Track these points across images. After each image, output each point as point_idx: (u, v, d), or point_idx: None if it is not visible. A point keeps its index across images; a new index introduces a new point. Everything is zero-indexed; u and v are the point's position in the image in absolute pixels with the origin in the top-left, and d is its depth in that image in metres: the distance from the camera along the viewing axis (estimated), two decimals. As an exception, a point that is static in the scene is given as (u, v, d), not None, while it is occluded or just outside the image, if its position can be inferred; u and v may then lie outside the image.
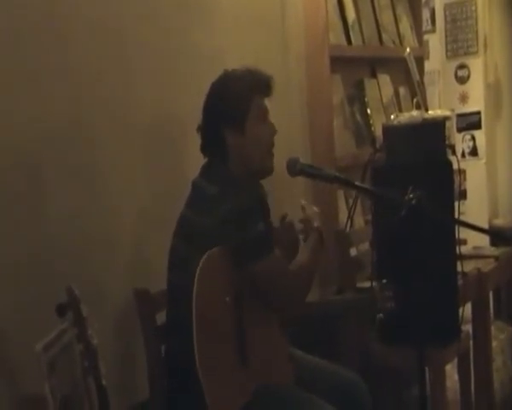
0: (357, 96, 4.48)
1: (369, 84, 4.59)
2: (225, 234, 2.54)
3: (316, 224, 2.82)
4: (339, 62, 4.14)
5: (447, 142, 3.28)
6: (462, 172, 5.90)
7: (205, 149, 2.76)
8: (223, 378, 2.52)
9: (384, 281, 2.76)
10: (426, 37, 5.78)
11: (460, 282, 3.29)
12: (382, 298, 2.74)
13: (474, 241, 4.28)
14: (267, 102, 2.75)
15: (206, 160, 2.76)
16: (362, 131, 4.45)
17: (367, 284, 3.43)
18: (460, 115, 6.29)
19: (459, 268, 3.18)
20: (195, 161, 2.82)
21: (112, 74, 2.90)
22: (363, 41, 4.45)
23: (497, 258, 4.05)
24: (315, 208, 2.90)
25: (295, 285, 2.66)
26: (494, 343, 4.50)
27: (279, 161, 2.75)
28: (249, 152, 2.71)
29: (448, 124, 3.40)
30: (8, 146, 2.48)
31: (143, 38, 3.03)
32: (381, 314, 2.75)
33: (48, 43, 2.64)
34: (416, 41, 5.16)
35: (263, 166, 2.75)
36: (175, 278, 2.68)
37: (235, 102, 2.69)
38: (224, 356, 2.54)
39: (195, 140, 2.79)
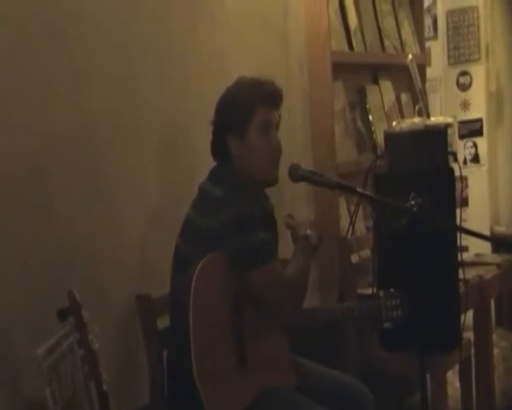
0: (358, 103, 4.48)
1: (371, 91, 4.59)
2: (226, 238, 2.55)
3: (302, 232, 2.80)
4: (341, 69, 4.15)
5: (449, 149, 3.27)
6: (463, 179, 5.89)
7: (212, 152, 2.77)
8: (221, 383, 2.52)
9: (391, 290, 2.75)
10: (428, 44, 5.79)
11: (461, 289, 3.29)
12: (388, 307, 2.73)
13: (476, 248, 4.28)
14: (276, 114, 2.75)
15: (214, 164, 2.77)
16: (363, 138, 4.45)
17: (368, 291, 3.43)
18: (462, 122, 6.29)
19: (461, 275, 3.18)
20: (202, 163, 2.83)
21: (116, 77, 2.90)
22: (365, 47, 4.46)
23: (498, 265, 4.05)
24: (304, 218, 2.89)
25: (290, 296, 2.65)
26: (496, 351, 4.50)
27: (281, 167, 2.75)
28: (250, 161, 2.71)
29: (450, 131, 3.40)
30: (13, 149, 2.48)
31: (146, 40, 3.04)
32: (388, 324, 2.73)
33: (51, 48, 2.64)
34: (417, 48, 5.16)
35: (264, 176, 2.75)
36: (176, 279, 2.68)
37: (238, 111, 2.70)
38: (223, 361, 2.54)
39: (201, 143, 2.80)
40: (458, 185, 3.24)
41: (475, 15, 6.29)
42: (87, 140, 2.77)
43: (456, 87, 6.38)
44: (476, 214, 5.99)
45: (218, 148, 2.75)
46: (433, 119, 3.72)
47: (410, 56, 3.90)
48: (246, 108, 2.70)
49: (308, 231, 2.79)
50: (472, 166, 6.31)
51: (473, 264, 3.94)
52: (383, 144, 3.33)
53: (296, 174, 2.68)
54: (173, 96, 3.17)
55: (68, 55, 2.71)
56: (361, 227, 4.25)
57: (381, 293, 2.76)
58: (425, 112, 3.82)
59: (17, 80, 2.52)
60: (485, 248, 4.69)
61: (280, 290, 2.62)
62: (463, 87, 6.37)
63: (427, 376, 2.79)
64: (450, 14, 6.38)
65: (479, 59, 6.31)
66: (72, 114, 2.71)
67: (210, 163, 2.78)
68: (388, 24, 4.80)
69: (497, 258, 4.24)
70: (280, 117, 2.78)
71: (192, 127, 3.20)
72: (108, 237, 2.85)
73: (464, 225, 3.13)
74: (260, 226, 2.60)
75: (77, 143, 2.73)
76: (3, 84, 2.47)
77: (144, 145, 3.04)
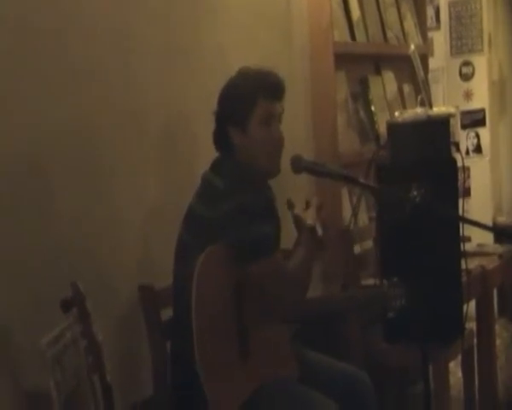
0: (361, 93, 4.48)
1: (374, 82, 4.59)
2: (228, 229, 2.55)
3: (308, 223, 2.78)
4: (343, 59, 4.14)
5: (451, 139, 3.27)
6: (466, 169, 5.87)
7: (214, 142, 2.77)
8: (223, 374, 2.52)
9: (395, 279, 2.74)
10: (430, 34, 5.78)
11: (464, 279, 3.29)
12: (392, 296, 2.72)
13: (478, 238, 4.27)
14: (279, 106, 2.75)
15: (217, 155, 2.77)
16: (366, 128, 4.45)
17: (371, 282, 3.43)
18: (464, 112, 6.29)
19: (463, 265, 3.18)
20: (203, 159, 2.83)
21: (116, 75, 2.90)
22: (368, 38, 4.45)
23: (501, 255, 4.05)
24: (314, 202, 2.85)
25: (290, 290, 2.64)
26: (498, 341, 4.50)
27: (283, 158, 2.75)
28: (252, 152, 2.71)
29: (452, 121, 3.40)
30: (13, 149, 2.48)
31: (148, 37, 3.03)
32: (391, 313, 2.73)
33: (51, 44, 2.64)
34: (420, 38, 5.15)
35: (266, 167, 2.74)
36: (179, 270, 2.68)
37: (240, 102, 2.70)
38: (225, 352, 2.54)
39: (202, 138, 2.80)
40: (460, 175, 3.23)
41: (478, 6, 6.29)
42: (88, 136, 2.77)
43: (458, 77, 6.38)
44: (478, 205, 5.99)
45: (220, 138, 2.75)
46: (435, 109, 3.70)
47: (412, 47, 3.88)
48: (248, 100, 2.70)
49: (317, 225, 2.77)
50: (474, 157, 6.31)
51: (475, 254, 3.94)
52: (386, 135, 3.33)
53: (298, 165, 2.68)
54: (175, 92, 3.17)
55: (68, 53, 2.70)
56: (363, 218, 4.25)
57: (385, 282, 2.75)
58: (427, 102, 3.81)
59: (17, 80, 2.52)
60: (487, 238, 4.68)
61: (280, 284, 2.61)
62: (466, 77, 6.36)
63: (430, 366, 2.79)
64: (453, 4, 6.38)
65: (481, 49, 6.31)
66: (72, 110, 2.71)
67: (211, 158, 2.78)
68: (391, 15, 4.79)
69: (499, 248, 4.24)
70: (283, 109, 2.77)
71: (194, 123, 3.20)
72: (110, 229, 2.85)
73: (466, 215, 3.12)
74: (263, 218, 2.60)
75: (78, 138, 2.72)
76: (3, 84, 2.47)
77: (145, 141, 3.04)
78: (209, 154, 2.78)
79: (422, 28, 5.22)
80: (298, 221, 2.83)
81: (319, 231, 2.75)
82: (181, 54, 3.22)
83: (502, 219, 6.36)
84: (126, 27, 2.95)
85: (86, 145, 2.76)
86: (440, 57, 6.35)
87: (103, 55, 2.84)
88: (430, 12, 6.14)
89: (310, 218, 2.79)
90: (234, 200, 2.56)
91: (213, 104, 2.75)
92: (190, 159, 3.22)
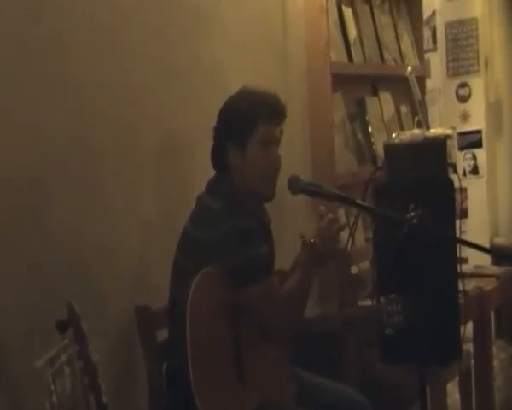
0: (358, 114, 4.49)
1: (371, 102, 4.60)
2: (223, 252, 2.54)
3: (307, 240, 2.74)
4: (340, 80, 4.15)
5: (448, 160, 3.27)
6: (463, 190, 5.88)
7: (212, 159, 2.77)
8: (219, 396, 2.52)
9: (392, 295, 2.73)
10: (427, 55, 5.80)
11: (461, 301, 3.28)
12: (389, 313, 2.71)
13: (476, 259, 4.27)
14: (278, 130, 2.75)
15: (213, 175, 2.77)
16: (363, 149, 4.45)
17: (368, 303, 3.42)
18: (461, 134, 6.30)
19: (460, 287, 3.17)
20: (200, 175, 2.83)
21: (112, 87, 2.90)
22: (365, 59, 4.46)
23: (498, 277, 4.04)
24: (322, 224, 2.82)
25: (286, 314, 2.64)
26: (495, 362, 4.49)
27: (280, 179, 2.75)
28: (248, 174, 2.71)
29: (449, 142, 3.40)
30: (10, 160, 2.48)
31: (144, 50, 3.04)
32: (389, 329, 2.72)
33: (50, 59, 2.65)
34: (417, 59, 5.17)
35: (261, 190, 2.74)
36: (175, 292, 2.68)
37: (240, 123, 2.69)
38: (220, 374, 2.53)
39: (199, 154, 2.80)
40: (458, 197, 3.23)
41: (474, 27, 6.31)
42: (84, 151, 2.77)
43: (455, 99, 6.40)
44: (476, 226, 5.99)
45: (219, 156, 2.75)
46: (432, 130, 3.71)
47: (409, 68, 3.90)
48: (248, 122, 2.69)
49: (312, 239, 2.73)
50: (471, 178, 6.31)
51: (472, 275, 3.93)
52: (383, 156, 3.33)
53: (295, 186, 2.68)
54: (172, 108, 3.17)
55: (68, 66, 2.72)
56: (360, 239, 4.25)
57: (383, 299, 2.74)
58: (424, 123, 3.82)
59: (16, 93, 2.53)
60: (484, 259, 4.68)
61: (276, 309, 2.61)
62: (463, 99, 6.38)
63: (427, 387, 2.78)
64: (449, 25, 6.40)
65: (478, 70, 6.33)
66: (70, 126, 2.71)
67: (208, 173, 2.78)
68: (387, 36, 4.81)
69: (496, 270, 4.23)
70: (282, 132, 2.77)
71: (190, 138, 3.21)
72: (106, 248, 2.84)
73: (464, 236, 3.12)
74: (258, 240, 2.60)
75: (73, 154, 2.73)
76: (2, 96, 2.47)
77: (142, 156, 3.04)
78: (206, 168, 2.78)
79: (419, 49, 5.24)
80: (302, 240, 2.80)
81: (320, 247, 2.72)
82: (178, 69, 3.22)
83: (499, 241, 6.36)
84: (125, 42, 2.96)
85: (83, 160, 2.77)
86: (437, 79, 6.37)
87: (102, 69, 2.85)
88: (427, 33, 6.17)
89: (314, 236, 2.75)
90: (230, 223, 2.56)
91: (210, 119, 2.76)
92: (187, 173, 3.22)
